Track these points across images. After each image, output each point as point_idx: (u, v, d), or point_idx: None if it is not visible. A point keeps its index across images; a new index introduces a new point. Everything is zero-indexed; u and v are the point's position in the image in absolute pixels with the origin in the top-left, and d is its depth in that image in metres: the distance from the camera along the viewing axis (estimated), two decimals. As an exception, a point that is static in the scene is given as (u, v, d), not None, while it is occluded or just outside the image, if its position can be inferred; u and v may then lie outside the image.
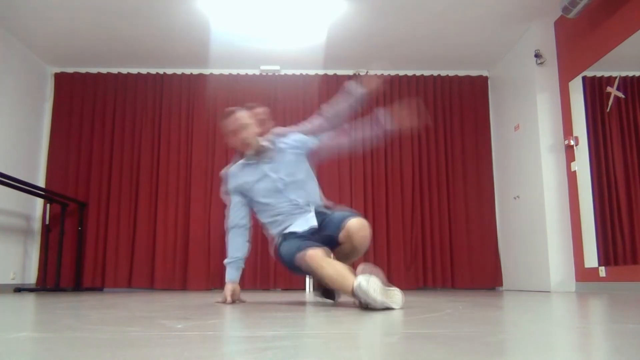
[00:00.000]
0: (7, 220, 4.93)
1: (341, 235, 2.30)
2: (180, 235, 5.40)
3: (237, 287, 2.60)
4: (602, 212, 4.10)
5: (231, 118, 2.56)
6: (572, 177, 4.48)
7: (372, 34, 5.02)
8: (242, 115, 2.56)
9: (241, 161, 2.62)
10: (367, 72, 5.83)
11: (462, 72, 5.85)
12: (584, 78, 4.36)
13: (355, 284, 1.85)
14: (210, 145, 5.59)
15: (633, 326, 1.33)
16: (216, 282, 5.24)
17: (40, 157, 5.56)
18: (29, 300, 2.98)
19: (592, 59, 4.19)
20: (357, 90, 2.54)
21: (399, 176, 5.56)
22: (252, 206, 2.61)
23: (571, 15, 4.19)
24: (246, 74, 5.77)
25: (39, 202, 5.38)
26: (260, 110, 2.66)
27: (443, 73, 5.85)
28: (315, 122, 2.63)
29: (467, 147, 5.68)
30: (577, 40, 4.41)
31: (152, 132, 5.64)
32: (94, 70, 5.77)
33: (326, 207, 2.59)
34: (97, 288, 5.31)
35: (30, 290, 4.89)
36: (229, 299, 2.52)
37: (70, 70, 5.76)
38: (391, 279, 5.24)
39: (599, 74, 4.20)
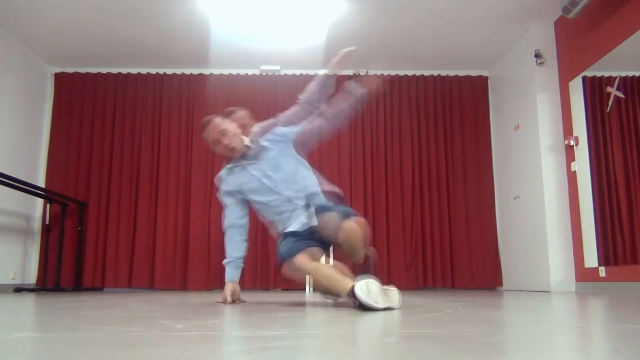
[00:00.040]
0: (7, 220, 4.93)
1: (339, 237, 2.27)
2: (180, 235, 5.40)
3: (237, 287, 2.60)
4: (602, 212, 4.09)
5: (209, 128, 2.54)
6: (572, 177, 4.48)
7: (372, 34, 5.02)
8: (219, 122, 2.53)
9: (228, 166, 2.61)
10: (367, 72, 5.83)
11: (462, 72, 5.86)
12: (584, 78, 4.36)
13: (355, 289, 1.83)
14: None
15: (633, 326, 1.33)
16: (216, 282, 5.24)
17: (40, 157, 5.57)
18: (29, 300, 2.98)
19: (592, 59, 4.19)
20: (357, 90, 2.53)
21: (399, 176, 5.56)
22: (253, 207, 2.61)
23: (571, 15, 4.19)
24: (246, 74, 5.77)
25: (39, 202, 5.38)
26: (241, 113, 2.65)
27: (443, 73, 5.85)
28: (292, 110, 2.60)
29: (467, 147, 5.68)
30: (577, 40, 4.41)
31: (152, 132, 5.64)
32: (94, 70, 5.77)
33: (330, 193, 2.52)
34: (97, 288, 5.31)
35: (30, 290, 4.89)
36: (229, 298, 2.52)
37: (70, 70, 5.76)
38: (391, 279, 5.24)
39: (599, 74, 4.20)
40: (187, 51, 5.38)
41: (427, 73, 5.85)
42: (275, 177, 2.46)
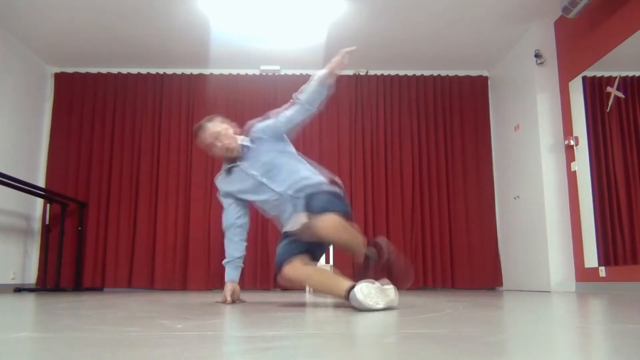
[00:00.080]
0: (7, 220, 4.93)
1: (318, 238, 2.15)
2: (180, 235, 5.41)
3: (237, 287, 2.60)
4: (602, 212, 4.10)
5: (202, 133, 2.53)
6: (572, 177, 4.48)
7: (372, 34, 5.02)
8: (211, 126, 2.52)
9: (226, 167, 2.60)
10: (367, 72, 5.84)
11: (462, 72, 5.86)
12: (584, 78, 4.36)
13: (350, 298, 1.83)
14: (210, 145, 5.59)
15: (633, 326, 1.33)
16: (216, 282, 5.24)
17: (40, 157, 5.57)
18: (29, 300, 2.98)
19: (592, 59, 4.19)
20: (325, 77, 2.49)
21: (399, 176, 5.56)
22: (255, 207, 2.61)
23: (571, 15, 4.19)
24: (246, 74, 5.78)
25: (39, 202, 5.39)
26: (222, 118, 2.63)
27: (443, 73, 5.85)
28: (292, 110, 2.54)
29: (467, 147, 5.68)
30: (577, 40, 4.41)
31: (152, 132, 5.64)
32: (94, 70, 5.77)
33: (328, 183, 2.46)
34: (97, 288, 5.31)
35: (30, 290, 4.89)
36: (228, 298, 2.52)
37: (70, 70, 5.77)
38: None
39: (599, 74, 4.20)
40: (187, 51, 5.39)
41: (427, 73, 5.85)
42: (269, 174, 2.44)
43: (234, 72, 5.78)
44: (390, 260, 2.22)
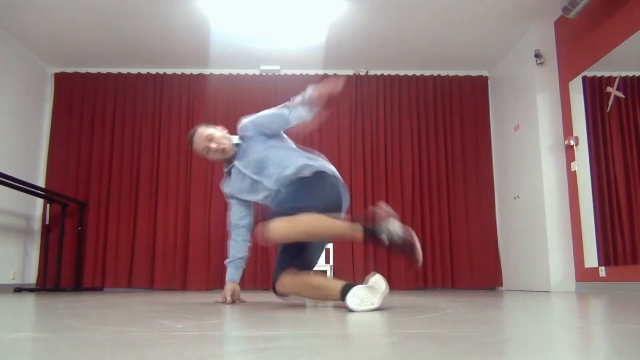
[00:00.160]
0: (7, 220, 4.93)
1: (271, 242, 2.10)
2: (180, 235, 5.40)
3: (237, 287, 2.60)
4: (602, 212, 4.09)
5: (196, 139, 2.50)
6: (572, 177, 4.48)
7: (372, 34, 5.02)
8: (203, 130, 2.50)
9: (225, 169, 2.59)
10: (367, 72, 5.84)
11: (462, 72, 5.86)
12: (584, 78, 4.36)
13: (348, 304, 1.84)
14: (210, 145, 5.59)
15: (633, 326, 1.33)
16: (216, 282, 5.24)
17: (40, 157, 5.57)
18: (29, 300, 2.98)
19: (592, 59, 4.19)
20: (310, 97, 2.36)
21: (399, 176, 5.56)
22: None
23: (571, 15, 4.19)
24: (246, 74, 5.77)
25: (39, 202, 5.38)
26: (212, 125, 2.61)
27: (443, 73, 5.85)
28: (272, 117, 2.49)
29: (467, 147, 5.68)
30: (577, 40, 4.41)
31: (152, 132, 5.64)
32: (94, 70, 5.77)
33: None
34: (97, 288, 5.31)
35: (30, 290, 4.89)
36: (228, 298, 2.52)
37: (70, 70, 5.77)
38: (391, 279, 5.24)
39: (599, 74, 4.20)
40: (187, 51, 5.39)
41: (427, 73, 5.85)
42: (261, 171, 2.40)
43: (234, 72, 5.78)
44: (394, 242, 1.98)
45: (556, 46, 4.77)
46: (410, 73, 5.83)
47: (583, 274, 4.32)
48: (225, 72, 5.77)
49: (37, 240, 5.39)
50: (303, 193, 2.21)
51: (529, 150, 4.88)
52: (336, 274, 5.12)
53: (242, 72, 5.78)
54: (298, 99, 2.42)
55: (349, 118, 5.68)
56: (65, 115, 5.63)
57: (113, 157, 5.55)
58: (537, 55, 4.72)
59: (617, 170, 3.97)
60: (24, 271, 5.19)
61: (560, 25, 4.69)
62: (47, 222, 5.20)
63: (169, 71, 5.78)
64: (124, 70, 5.79)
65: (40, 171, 5.54)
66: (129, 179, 5.52)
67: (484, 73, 5.89)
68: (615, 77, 4.01)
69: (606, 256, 4.03)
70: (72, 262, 5.26)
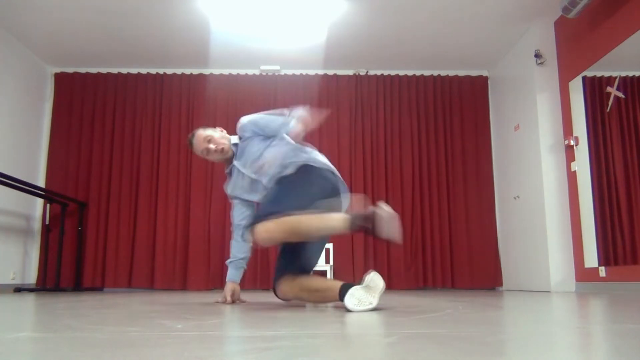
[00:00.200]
0: (7, 220, 4.93)
1: (262, 244, 2.09)
2: (180, 235, 5.41)
3: (237, 287, 2.60)
4: (602, 212, 4.09)
5: (195, 141, 2.50)
6: (572, 177, 4.48)
7: (372, 34, 5.02)
8: (202, 132, 2.50)
9: (226, 170, 2.59)
10: (367, 72, 5.84)
11: (462, 72, 5.86)
12: (584, 78, 4.36)
13: (347, 306, 1.85)
14: (210, 145, 5.59)
15: (633, 326, 1.33)
16: (216, 282, 5.25)
17: (40, 157, 5.57)
18: (29, 300, 2.98)
19: (592, 59, 4.19)
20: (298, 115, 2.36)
21: (399, 176, 5.56)
22: None
23: (571, 15, 4.19)
24: (246, 74, 5.78)
25: (39, 202, 5.39)
26: (210, 127, 2.61)
27: (443, 73, 5.85)
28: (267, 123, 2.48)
29: (467, 147, 5.68)
30: (577, 40, 4.41)
31: (152, 132, 5.64)
32: (94, 70, 5.77)
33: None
34: (97, 288, 5.31)
35: (30, 290, 4.89)
36: (228, 298, 2.52)
37: (70, 70, 5.77)
38: (391, 279, 5.25)
39: (599, 74, 4.20)
40: (187, 51, 5.39)
41: (427, 73, 5.85)
42: (259, 170, 2.39)
43: (234, 72, 5.78)
44: (373, 229, 2.01)
45: (556, 46, 4.77)
46: (410, 73, 5.83)
47: (583, 274, 4.32)
48: (225, 72, 5.77)
49: (37, 240, 5.39)
50: (284, 194, 2.18)
51: (529, 150, 4.88)
52: (336, 274, 5.12)
53: (242, 72, 5.78)
54: (295, 111, 2.42)
55: (349, 118, 5.68)
56: (65, 115, 5.63)
57: (113, 157, 5.55)
58: (537, 55, 4.72)
59: (617, 170, 3.97)
60: (24, 271, 5.19)
61: (560, 25, 4.69)
62: (47, 222, 5.20)
63: (169, 71, 5.78)
64: (124, 70, 5.79)
65: (40, 171, 5.54)
66: (129, 179, 5.52)
67: (484, 73, 5.89)
68: (615, 77, 4.01)
69: (606, 256, 4.03)
70: (72, 262, 5.27)
